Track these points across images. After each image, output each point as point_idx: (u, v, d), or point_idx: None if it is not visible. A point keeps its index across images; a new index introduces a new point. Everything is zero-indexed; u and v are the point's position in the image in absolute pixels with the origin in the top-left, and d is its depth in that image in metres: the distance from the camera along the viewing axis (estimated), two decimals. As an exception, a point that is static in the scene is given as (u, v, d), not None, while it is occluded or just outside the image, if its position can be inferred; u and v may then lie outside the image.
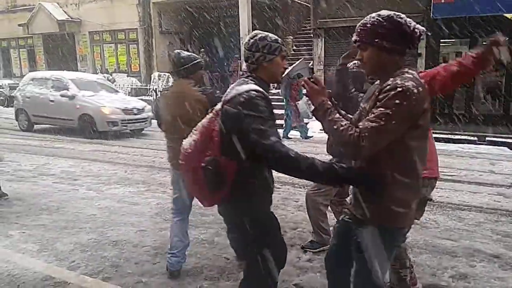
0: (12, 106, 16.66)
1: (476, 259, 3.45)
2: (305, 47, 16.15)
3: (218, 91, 3.08)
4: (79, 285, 3.03)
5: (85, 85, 10.43)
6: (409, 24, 1.70)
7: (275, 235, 2.10)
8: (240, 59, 15.36)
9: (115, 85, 15.80)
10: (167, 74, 14.95)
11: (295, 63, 10.05)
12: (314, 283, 3.07)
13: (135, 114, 10.08)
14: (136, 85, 15.77)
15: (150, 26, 16.84)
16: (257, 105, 1.87)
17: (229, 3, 14.98)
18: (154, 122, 8.51)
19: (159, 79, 15.30)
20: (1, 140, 5.33)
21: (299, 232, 3.99)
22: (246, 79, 2.05)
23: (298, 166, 1.79)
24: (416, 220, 2.73)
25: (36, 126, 11.27)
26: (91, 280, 3.11)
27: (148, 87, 15.47)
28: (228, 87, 2.94)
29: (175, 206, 3.25)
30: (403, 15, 1.71)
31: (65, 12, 18.18)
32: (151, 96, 14.72)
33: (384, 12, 1.72)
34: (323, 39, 13.10)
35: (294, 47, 16.79)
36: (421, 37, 1.73)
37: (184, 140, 3.00)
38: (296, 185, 5.62)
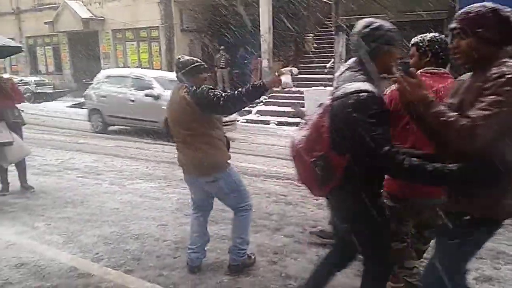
0: (38, 102, 17.18)
1: (501, 262, 3.36)
2: (326, 45, 16.04)
3: (209, 89, 2.90)
4: (102, 277, 3.09)
5: (167, 84, 9.14)
6: None
7: (386, 225, 2.09)
8: (261, 57, 15.37)
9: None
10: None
11: (318, 60, 9.83)
12: (333, 282, 3.04)
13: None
14: (158, 83, 15.94)
15: (172, 24, 17.00)
16: (367, 109, 1.80)
17: (250, 0, 14.98)
18: (240, 124, 8.44)
19: (180, 76, 15.44)
20: (27, 135, 5.51)
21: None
22: (356, 73, 1.96)
23: (409, 177, 1.86)
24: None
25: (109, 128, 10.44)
26: (114, 272, 3.17)
27: (169, 84, 15.65)
28: (247, 85, 2.91)
29: (194, 202, 3.28)
30: (508, 9, 1.71)
31: (89, 10, 18.54)
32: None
33: (490, 4, 1.72)
34: (344, 37, 12.97)
35: (315, 45, 16.71)
36: None
37: (184, 144, 2.91)
38: (316, 183, 5.60)
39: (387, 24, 1.99)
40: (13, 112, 5.03)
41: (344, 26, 12.91)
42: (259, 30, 15.12)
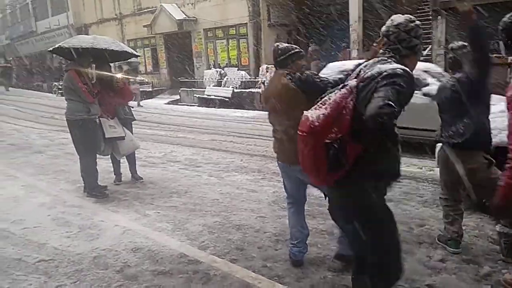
0: (135, 100, 18.55)
1: None
2: (422, 31, 14.97)
3: (307, 73, 2.90)
4: (210, 265, 3.23)
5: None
6: None
7: (383, 226, 2.15)
8: (349, 48, 14.88)
9: (226, 79, 16.62)
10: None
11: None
12: (449, 286, 2.82)
13: None
14: (246, 78, 16.32)
15: (259, 20, 17.24)
16: (398, 78, 1.83)
17: (338, -10, 14.60)
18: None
19: (267, 71, 15.58)
20: (136, 131, 6.05)
21: (426, 229, 3.70)
22: (389, 60, 1.98)
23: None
24: None
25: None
26: (220, 261, 3.29)
27: (256, 79, 15.91)
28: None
29: (288, 196, 3.27)
30: None
31: (182, 12, 19.58)
32: (259, 88, 15.09)
33: None
34: (444, 21, 11.96)
35: (409, 32, 15.69)
36: None
37: (283, 133, 2.91)
38: (419, 179, 5.23)
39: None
40: (124, 109, 5.50)
41: (444, 9, 11.91)
42: (348, 20, 14.64)
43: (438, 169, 3.42)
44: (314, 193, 3.98)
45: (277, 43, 3.12)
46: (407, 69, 1.90)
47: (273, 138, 3.16)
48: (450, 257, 3.17)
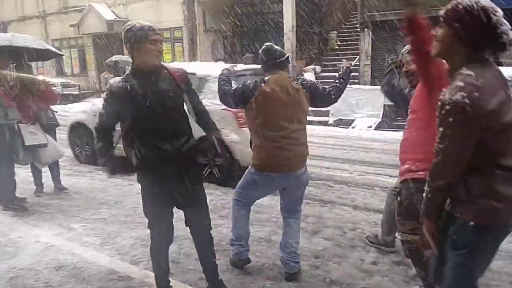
0: (64, 104, 17.41)
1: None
2: (351, 42, 15.79)
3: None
4: (143, 280, 3.06)
5: None
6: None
7: (148, 202, 2.69)
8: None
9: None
10: (210, 71, 15.09)
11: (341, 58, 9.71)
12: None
13: None
14: (180, 83, 16.02)
15: (194, 25, 17.04)
16: (106, 93, 2.43)
17: (273, -1, 14.90)
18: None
19: (203, 76, 15.47)
20: (61, 137, 5.55)
21: (359, 233, 3.83)
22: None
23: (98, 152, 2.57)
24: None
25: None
26: (154, 275, 3.11)
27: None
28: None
29: (247, 200, 3.20)
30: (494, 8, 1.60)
31: (113, 12, 18.76)
32: (195, 93, 14.92)
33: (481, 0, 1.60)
34: (370, 33, 12.72)
35: (339, 42, 16.47)
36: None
37: (290, 139, 2.83)
38: (350, 184, 5.44)
39: (139, 25, 2.29)
40: (47, 113, 5.06)
41: (371, 22, 12.66)
42: (282, 28, 15.00)
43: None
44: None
45: (268, 44, 2.95)
46: (115, 82, 2.39)
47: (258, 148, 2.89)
48: (382, 260, 3.30)
